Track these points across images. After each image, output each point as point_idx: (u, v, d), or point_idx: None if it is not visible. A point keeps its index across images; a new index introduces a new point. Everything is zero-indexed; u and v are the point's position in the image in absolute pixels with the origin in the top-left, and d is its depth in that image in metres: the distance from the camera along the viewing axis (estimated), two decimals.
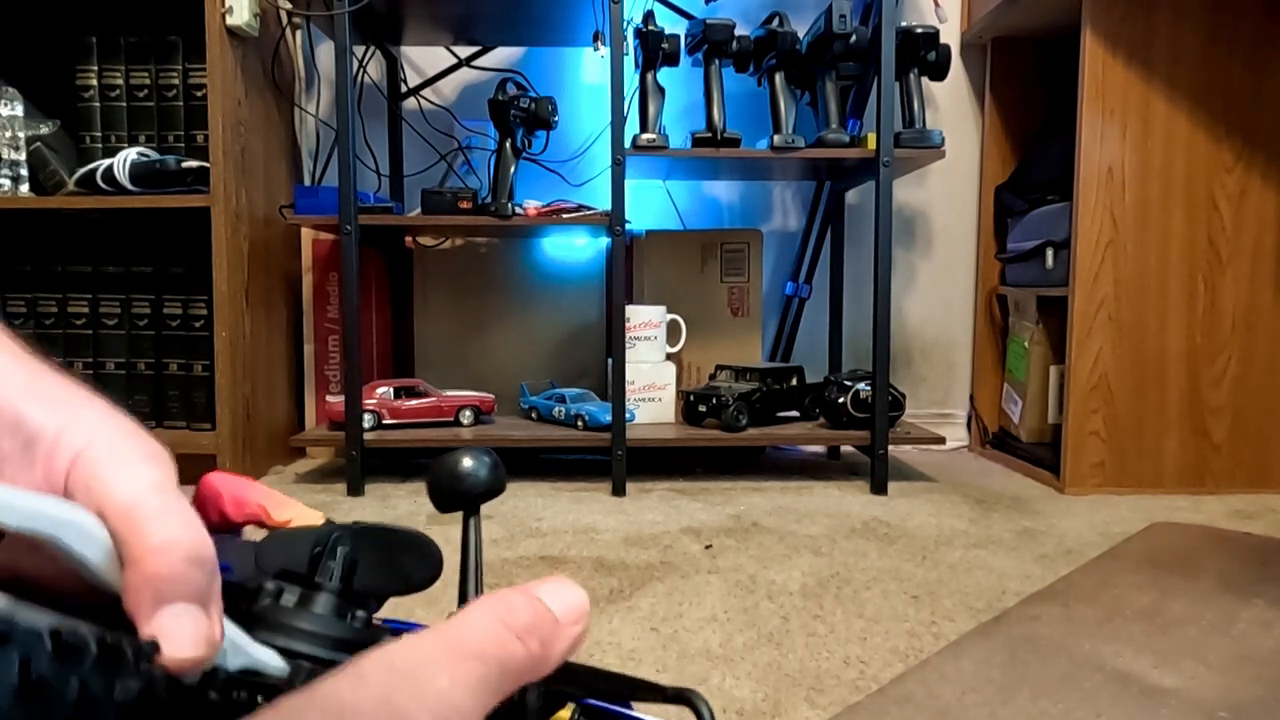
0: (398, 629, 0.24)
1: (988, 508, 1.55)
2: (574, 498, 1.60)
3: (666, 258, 1.98)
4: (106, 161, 1.60)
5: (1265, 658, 0.91)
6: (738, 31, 1.68)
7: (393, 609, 0.26)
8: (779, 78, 1.70)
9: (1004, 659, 0.90)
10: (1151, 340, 1.66)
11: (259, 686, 0.19)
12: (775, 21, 1.72)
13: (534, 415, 1.86)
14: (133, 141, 1.70)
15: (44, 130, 1.69)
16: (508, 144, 1.70)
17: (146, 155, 1.63)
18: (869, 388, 1.70)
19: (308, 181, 2.01)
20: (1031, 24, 1.95)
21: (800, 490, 1.67)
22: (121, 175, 1.59)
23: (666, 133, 1.68)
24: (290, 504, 0.28)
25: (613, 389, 1.65)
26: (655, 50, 1.67)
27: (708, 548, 1.29)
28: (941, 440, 1.78)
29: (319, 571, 0.23)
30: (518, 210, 1.69)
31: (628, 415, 1.68)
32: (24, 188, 1.65)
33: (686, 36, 1.71)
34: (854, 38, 1.63)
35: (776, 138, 1.66)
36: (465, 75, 2.09)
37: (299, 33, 1.96)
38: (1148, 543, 1.33)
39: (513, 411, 1.92)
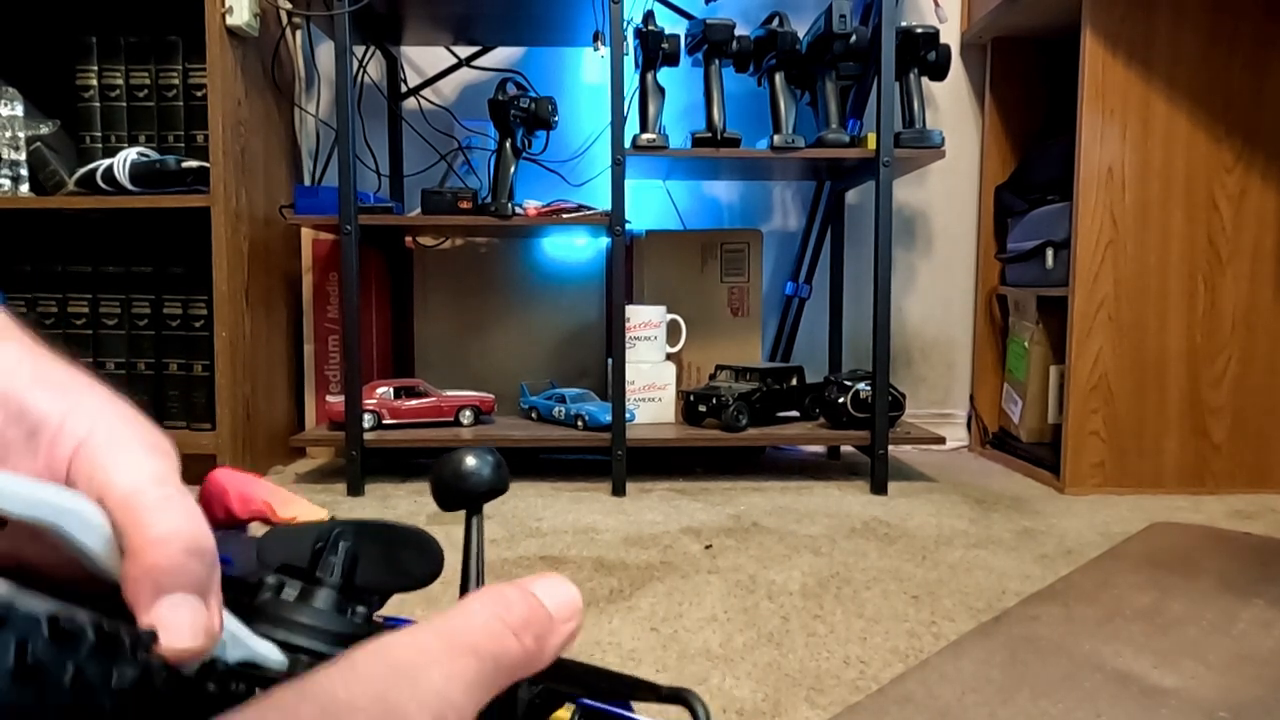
0: (397, 626, 0.24)
1: (988, 508, 1.55)
2: (574, 498, 1.60)
3: (666, 258, 1.98)
4: (106, 161, 1.60)
5: (1265, 658, 0.91)
6: (738, 31, 1.68)
7: (396, 608, 0.26)
8: (779, 78, 1.70)
9: (1004, 659, 0.91)
10: (1151, 340, 1.66)
11: (257, 679, 0.20)
12: (775, 21, 1.72)
13: (534, 415, 1.86)
14: (133, 141, 1.70)
15: (44, 130, 1.69)
16: (508, 144, 1.70)
17: (146, 155, 1.63)
18: (869, 388, 1.70)
19: (308, 181, 2.01)
20: (1031, 24, 1.95)
21: (800, 490, 1.67)
22: (121, 175, 1.59)
23: (666, 133, 1.68)
24: (295, 501, 0.28)
25: (613, 389, 1.65)
26: (655, 50, 1.67)
27: (708, 548, 1.29)
28: (941, 440, 1.78)
29: (320, 567, 0.23)
30: (518, 210, 1.69)
31: (628, 415, 1.68)
32: (24, 188, 1.65)
33: (686, 36, 1.71)
34: (854, 38, 1.63)
35: (776, 138, 1.66)
36: (465, 75, 2.09)
37: (299, 33, 1.96)
38: (1148, 543, 1.33)
39: (513, 411, 1.92)
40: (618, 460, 1.64)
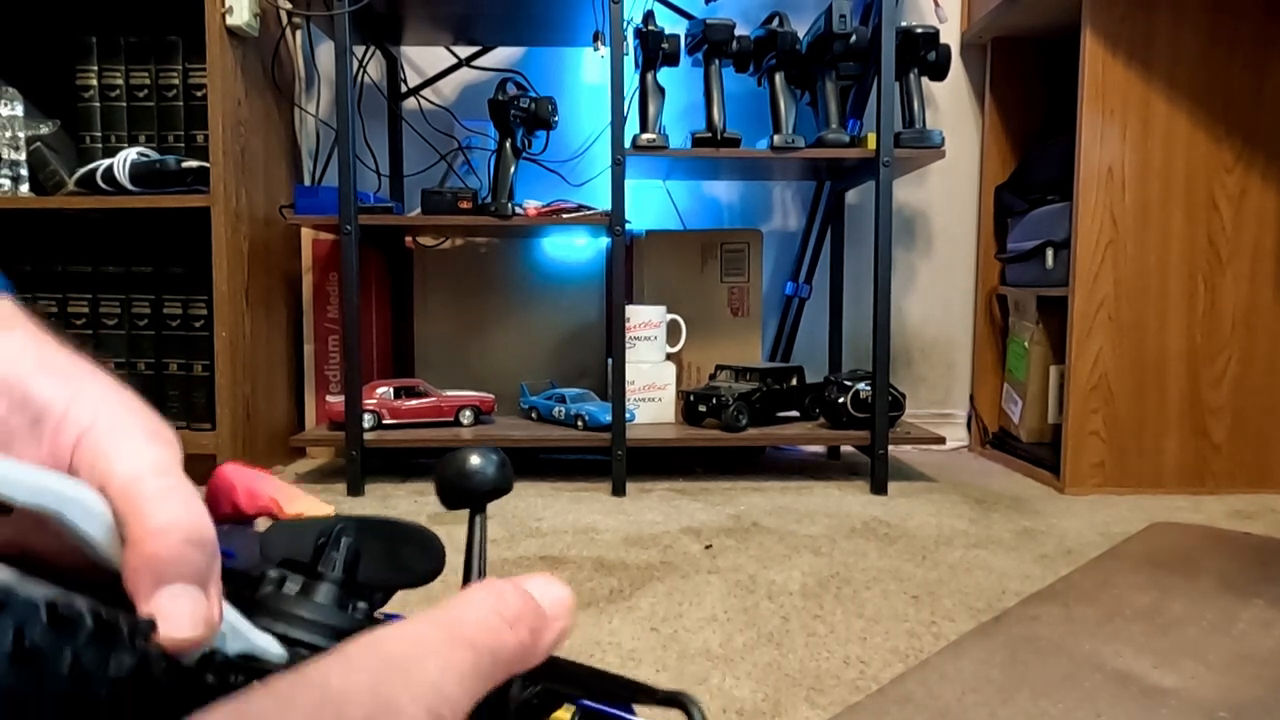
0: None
1: (988, 508, 1.55)
2: (574, 498, 1.60)
3: (666, 258, 1.98)
4: (106, 161, 1.60)
5: (1265, 658, 0.91)
6: (738, 31, 1.68)
7: (398, 606, 0.26)
8: (779, 78, 1.70)
9: (1004, 659, 0.91)
10: (1151, 340, 1.66)
11: (256, 671, 0.20)
12: (775, 21, 1.72)
13: (534, 415, 1.86)
14: (133, 141, 1.70)
15: (44, 130, 1.69)
16: (508, 144, 1.70)
17: (146, 155, 1.63)
18: (869, 388, 1.70)
19: (308, 181, 2.01)
20: (1031, 24, 1.95)
21: (800, 490, 1.67)
22: (121, 175, 1.59)
23: (666, 133, 1.68)
24: (302, 497, 0.28)
25: (613, 389, 1.65)
26: (655, 50, 1.67)
27: (708, 548, 1.30)
28: (941, 440, 1.78)
29: (322, 562, 0.23)
30: (518, 210, 1.69)
31: (628, 415, 1.68)
32: (24, 188, 1.65)
33: (686, 36, 1.71)
34: (854, 38, 1.63)
35: (776, 138, 1.66)
36: (465, 75, 2.09)
37: (299, 33, 1.96)
38: (1148, 543, 1.33)
39: (513, 411, 1.92)
40: (618, 460, 1.64)
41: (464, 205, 1.68)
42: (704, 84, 1.69)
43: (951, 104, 2.14)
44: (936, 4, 1.98)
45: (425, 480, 1.75)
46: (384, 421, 1.73)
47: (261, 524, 0.29)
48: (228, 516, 0.27)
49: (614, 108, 1.59)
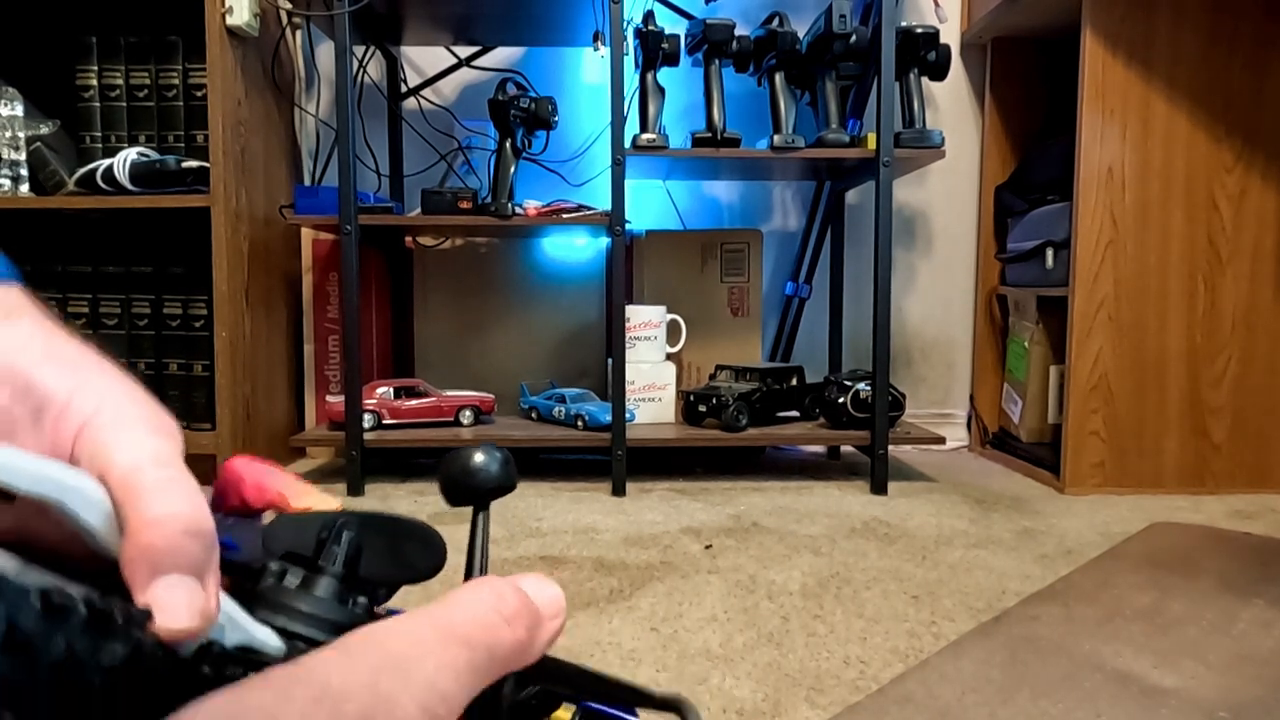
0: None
1: (988, 508, 1.55)
2: (574, 498, 1.60)
3: (666, 258, 1.98)
4: (106, 161, 1.60)
5: (1265, 658, 0.91)
6: (738, 31, 1.68)
7: (399, 603, 0.26)
8: (779, 78, 1.70)
9: (1004, 659, 0.90)
10: (1151, 340, 1.66)
11: (253, 664, 0.20)
12: (775, 21, 1.72)
13: (534, 415, 1.86)
14: (133, 141, 1.70)
15: (44, 130, 1.69)
16: (508, 144, 1.70)
17: (146, 155, 1.63)
18: (869, 388, 1.70)
19: (308, 181, 2.01)
20: (1031, 24, 1.95)
21: (800, 490, 1.67)
22: (121, 175, 1.59)
23: (666, 133, 1.68)
24: (309, 492, 0.28)
25: (613, 389, 1.65)
26: (655, 50, 1.67)
27: (708, 548, 1.29)
28: (941, 440, 1.78)
29: (323, 556, 0.23)
30: (518, 210, 1.69)
31: (628, 415, 1.68)
32: (24, 188, 1.65)
33: (686, 36, 1.71)
34: (854, 38, 1.63)
35: (776, 138, 1.66)
36: (465, 75, 2.09)
37: (299, 33, 1.96)
38: (1148, 543, 1.33)
39: (513, 411, 1.92)
40: (618, 460, 1.64)
41: (464, 205, 1.68)
42: (704, 84, 1.69)
43: (951, 104, 2.14)
44: (936, 4, 1.98)
45: (425, 480, 1.75)
46: (384, 421, 1.73)
47: (269, 517, 0.29)
48: (235, 509, 0.27)
49: (614, 108, 1.59)
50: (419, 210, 1.73)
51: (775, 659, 0.92)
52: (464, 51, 2.06)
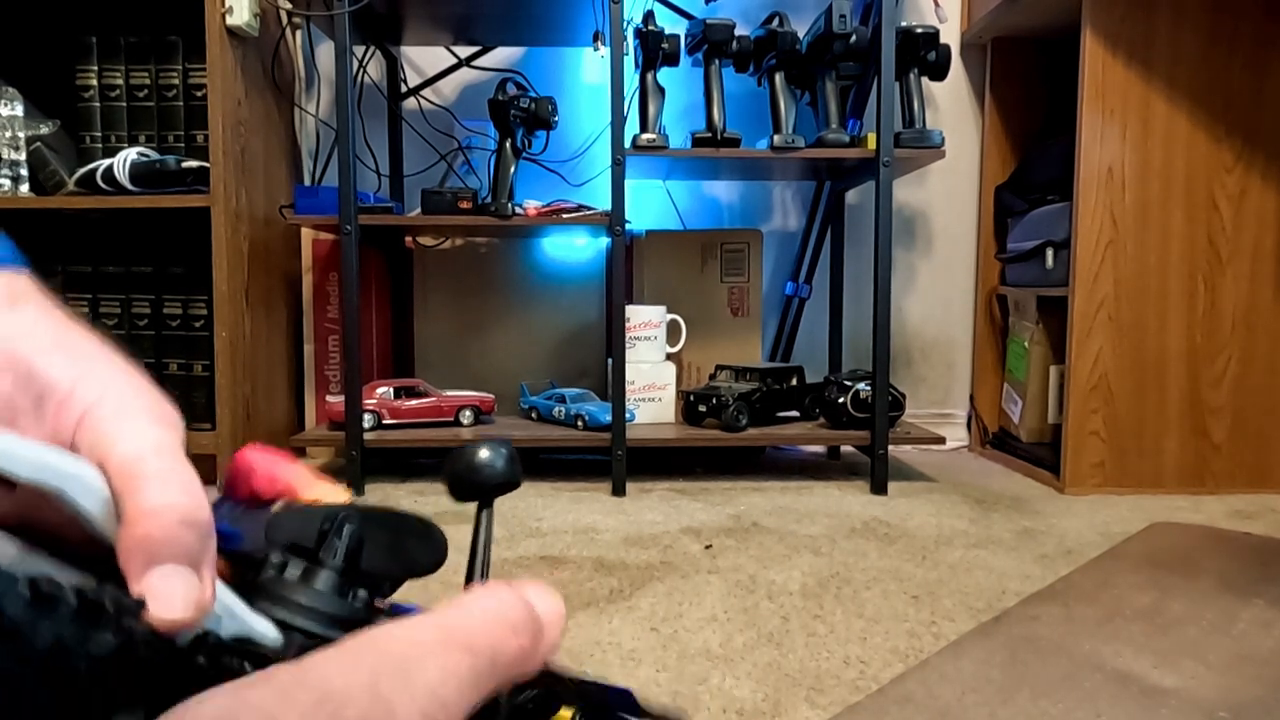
0: (403, 613, 0.24)
1: (988, 508, 1.55)
2: (574, 498, 1.60)
3: (666, 258, 1.98)
4: (106, 161, 1.60)
5: (1265, 658, 0.91)
6: (738, 31, 1.68)
7: (401, 598, 0.26)
8: (779, 78, 1.70)
9: (1004, 659, 0.91)
10: (1151, 340, 1.66)
11: (250, 655, 0.20)
12: (775, 21, 1.72)
13: (534, 415, 1.86)
14: (133, 141, 1.70)
15: (44, 130, 1.69)
16: (508, 144, 1.70)
17: (146, 155, 1.63)
18: (869, 388, 1.70)
19: (308, 181, 2.01)
20: (1031, 24, 1.95)
21: (800, 490, 1.67)
22: (121, 175, 1.59)
23: (666, 133, 1.68)
24: (320, 483, 0.28)
25: (613, 389, 1.65)
26: (655, 50, 1.67)
27: (708, 548, 1.29)
28: (941, 440, 1.78)
29: (324, 548, 0.23)
30: (518, 210, 1.69)
31: (628, 415, 1.68)
32: (24, 188, 1.65)
33: (686, 36, 1.71)
34: (854, 38, 1.63)
35: (776, 138, 1.66)
36: (465, 75, 2.09)
37: (299, 33, 1.96)
38: (1148, 543, 1.33)
39: (513, 411, 1.92)
40: (618, 460, 1.64)
41: (464, 205, 1.68)
42: (704, 84, 1.69)
43: (951, 104, 2.14)
44: (936, 4, 1.98)
45: (425, 480, 1.75)
46: (384, 421, 1.73)
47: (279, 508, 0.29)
48: (245, 500, 0.27)
49: (614, 108, 1.59)
50: (419, 210, 1.73)
51: (775, 659, 0.92)
52: (464, 51, 2.06)
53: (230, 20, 1.59)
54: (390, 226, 1.73)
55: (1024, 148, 2.06)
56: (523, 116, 1.70)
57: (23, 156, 1.65)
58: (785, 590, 1.12)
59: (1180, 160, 1.64)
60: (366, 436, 1.66)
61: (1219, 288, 1.66)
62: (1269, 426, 1.68)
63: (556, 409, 1.79)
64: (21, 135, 1.65)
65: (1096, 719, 0.78)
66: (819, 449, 2.09)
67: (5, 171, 1.63)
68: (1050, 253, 1.77)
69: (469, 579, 0.25)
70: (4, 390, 0.22)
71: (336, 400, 1.75)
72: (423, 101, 2.09)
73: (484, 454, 0.27)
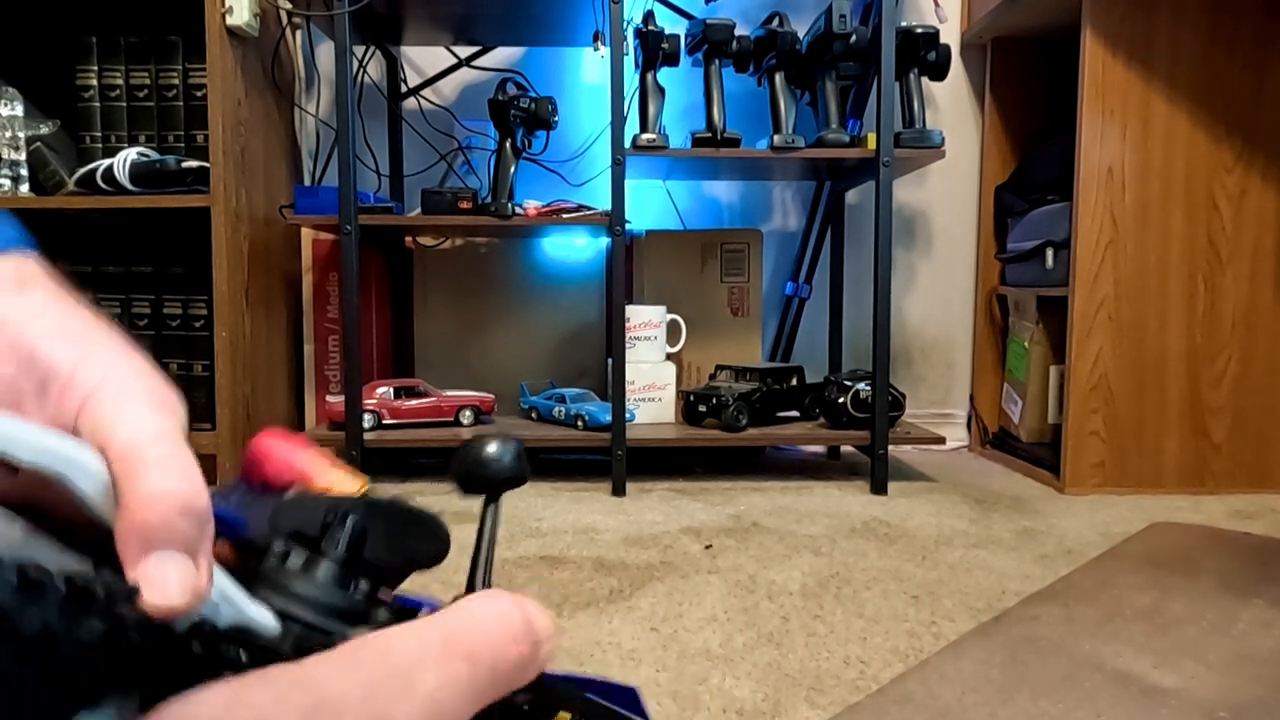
0: (408, 605, 0.24)
1: (988, 508, 1.55)
2: (574, 498, 1.60)
3: (666, 258, 1.98)
4: (106, 161, 1.60)
5: (1265, 658, 0.91)
6: (738, 31, 1.68)
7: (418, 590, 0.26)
8: (779, 78, 1.70)
9: (1004, 659, 0.90)
10: (1151, 340, 1.66)
11: (247, 644, 0.19)
12: (775, 21, 1.72)
13: (534, 415, 1.86)
14: (133, 141, 1.70)
15: (44, 130, 1.69)
16: (508, 144, 1.70)
17: (146, 155, 1.63)
18: (869, 388, 1.70)
19: (308, 181, 2.01)
20: (1031, 24, 1.95)
21: (800, 490, 1.67)
22: (121, 175, 1.59)
23: (666, 133, 1.68)
24: (334, 471, 0.28)
25: (613, 389, 1.65)
26: (655, 50, 1.67)
27: (708, 548, 1.29)
28: (941, 440, 1.78)
29: (326, 539, 0.23)
30: (518, 210, 1.69)
31: (628, 415, 1.68)
32: (24, 188, 1.65)
33: (686, 36, 1.71)
34: (854, 38, 1.63)
35: (776, 138, 1.66)
36: (465, 75, 2.09)
37: (299, 33, 1.96)
38: (1148, 543, 1.33)
39: (513, 411, 1.92)
40: (618, 460, 1.64)
41: (464, 205, 1.68)
42: (704, 84, 1.69)
43: (951, 104, 2.14)
44: (936, 4, 1.98)
45: (425, 480, 1.75)
46: (384, 421, 1.73)
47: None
48: (260, 487, 0.27)
49: (614, 108, 1.59)
50: (419, 210, 1.73)
51: (775, 659, 0.92)
52: (464, 51, 2.06)
53: (230, 20, 1.59)
54: (390, 226, 1.73)
55: (1024, 148, 2.06)
56: (523, 116, 1.70)
57: (23, 156, 1.65)
58: (785, 590, 1.12)
59: (1180, 160, 1.64)
60: (366, 436, 1.66)
61: (1219, 288, 1.66)
62: (1269, 426, 1.68)
63: (556, 409, 1.79)
64: (21, 135, 1.65)
65: (1096, 719, 0.78)
66: (819, 449, 2.09)
67: (5, 171, 1.63)
68: (1050, 253, 1.77)
69: (472, 574, 0.25)
70: (8, 374, 0.22)
71: (336, 400, 1.75)
72: (423, 101, 2.09)
73: (492, 449, 0.27)
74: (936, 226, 2.18)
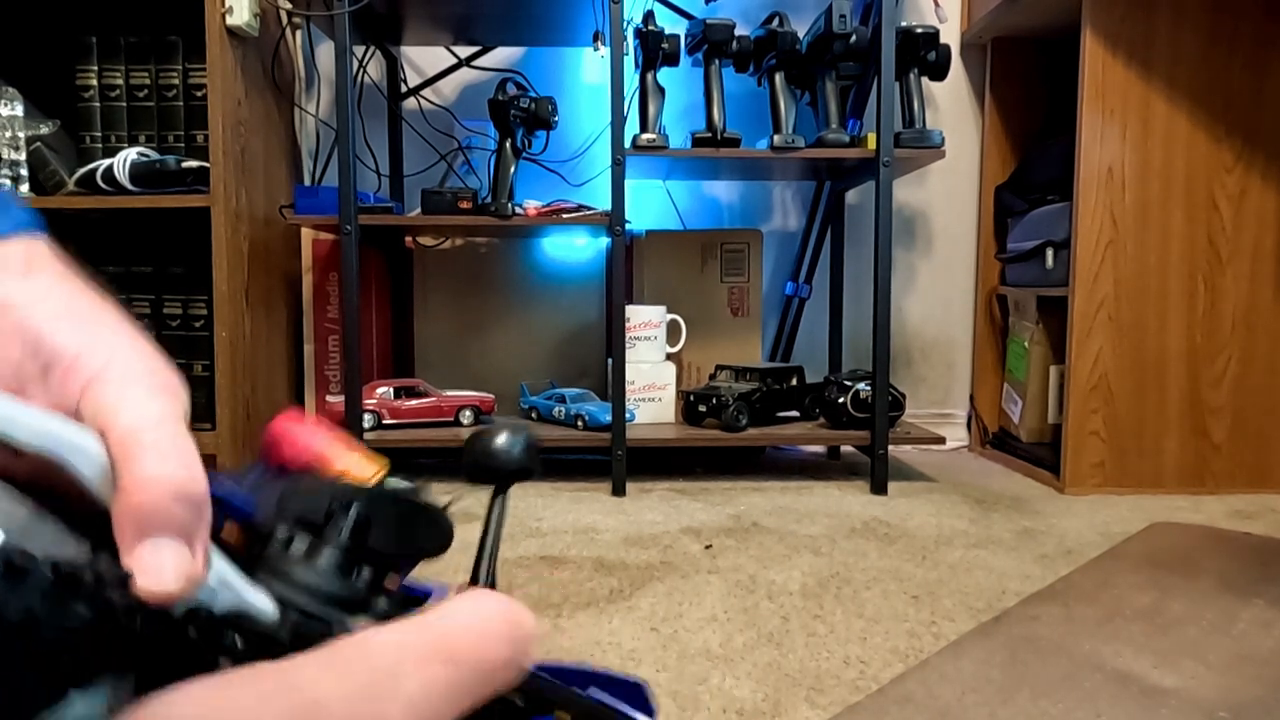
0: (414, 594, 0.24)
1: (988, 508, 1.55)
2: (574, 498, 1.60)
3: (666, 258, 1.98)
4: (106, 161, 1.60)
5: (1265, 658, 0.91)
6: (738, 31, 1.68)
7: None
8: (779, 78, 1.70)
9: (1004, 659, 0.91)
10: (1151, 340, 1.66)
11: (243, 630, 0.19)
12: (775, 21, 1.72)
13: (534, 415, 1.86)
14: (133, 141, 1.70)
15: (44, 130, 1.69)
16: (508, 144, 1.70)
17: (146, 155, 1.63)
18: (869, 388, 1.70)
19: (308, 181, 2.01)
20: (1031, 24, 1.95)
21: (800, 490, 1.67)
22: (121, 175, 1.59)
23: (666, 133, 1.68)
24: (353, 455, 0.27)
25: (613, 389, 1.65)
26: (655, 50, 1.67)
27: (708, 548, 1.29)
28: (941, 440, 1.78)
29: (329, 526, 0.23)
30: (518, 210, 1.69)
31: (628, 415, 1.68)
32: (24, 188, 1.65)
33: (686, 36, 1.71)
34: (854, 38, 1.63)
35: (776, 138, 1.66)
36: (465, 75, 2.09)
37: (299, 33, 1.96)
38: (1148, 543, 1.33)
39: (513, 411, 1.92)
40: (618, 460, 1.64)
41: (464, 205, 1.68)
42: (704, 84, 1.69)
43: (951, 104, 2.14)
44: (936, 4, 1.98)
45: (425, 480, 1.75)
46: (384, 421, 1.73)
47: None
48: (277, 469, 0.27)
49: (614, 108, 1.59)
50: (419, 210, 1.73)
51: (775, 659, 0.92)
52: (464, 51, 2.06)
53: (230, 20, 1.59)
54: (390, 226, 1.73)
55: (1024, 148, 2.06)
56: (523, 116, 1.70)
57: (23, 156, 1.65)
58: (785, 590, 1.12)
59: (1180, 160, 1.64)
60: (366, 436, 1.66)
61: (1219, 288, 1.66)
62: (1269, 426, 1.68)
63: (556, 409, 1.79)
64: (21, 135, 1.65)
65: (1096, 719, 0.78)
66: (819, 449, 2.09)
67: (5, 171, 1.63)
68: (1050, 253, 1.77)
69: (475, 568, 0.25)
70: (14, 357, 0.22)
71: (336, 400, 1.75)
72: (423, 101, 2.09)
73: (502, 439, 0.27)
74: (936, 226, 2.18)
